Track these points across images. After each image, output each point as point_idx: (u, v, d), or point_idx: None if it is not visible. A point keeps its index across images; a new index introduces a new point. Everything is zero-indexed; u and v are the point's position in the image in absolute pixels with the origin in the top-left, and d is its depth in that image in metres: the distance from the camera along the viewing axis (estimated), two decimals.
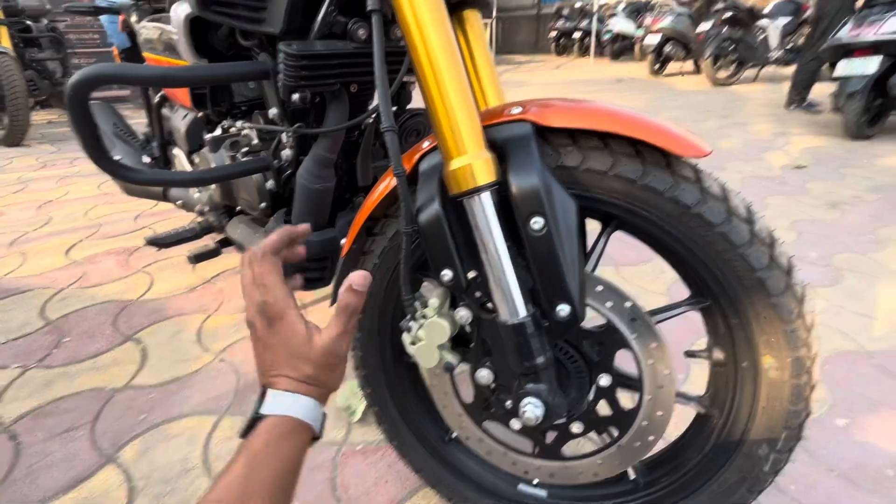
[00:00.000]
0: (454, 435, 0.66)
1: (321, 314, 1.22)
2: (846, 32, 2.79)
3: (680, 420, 0.58)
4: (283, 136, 0.74)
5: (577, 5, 10.12)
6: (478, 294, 0.51)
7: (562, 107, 0.49)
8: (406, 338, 0.55)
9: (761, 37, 5.44)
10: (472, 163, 0.46)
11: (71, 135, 3.25)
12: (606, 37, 8.98)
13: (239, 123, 0.81)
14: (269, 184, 0.77)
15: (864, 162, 2.52)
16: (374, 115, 0.71)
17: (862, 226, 1.73)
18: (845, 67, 2.78)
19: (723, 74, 5.54)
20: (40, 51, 3.36)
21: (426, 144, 0.53)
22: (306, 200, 0.73)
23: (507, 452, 0.61)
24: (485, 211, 0.47)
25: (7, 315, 1.23)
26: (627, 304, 0.51)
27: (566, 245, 0.46)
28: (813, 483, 0.77)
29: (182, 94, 0.93)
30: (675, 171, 0.47)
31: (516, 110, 0.49)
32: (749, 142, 2.95)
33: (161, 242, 1.01)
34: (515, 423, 0.56)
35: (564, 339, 0.53)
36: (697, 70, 6.28)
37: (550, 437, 0.59)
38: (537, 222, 0.46)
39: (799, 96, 3.84)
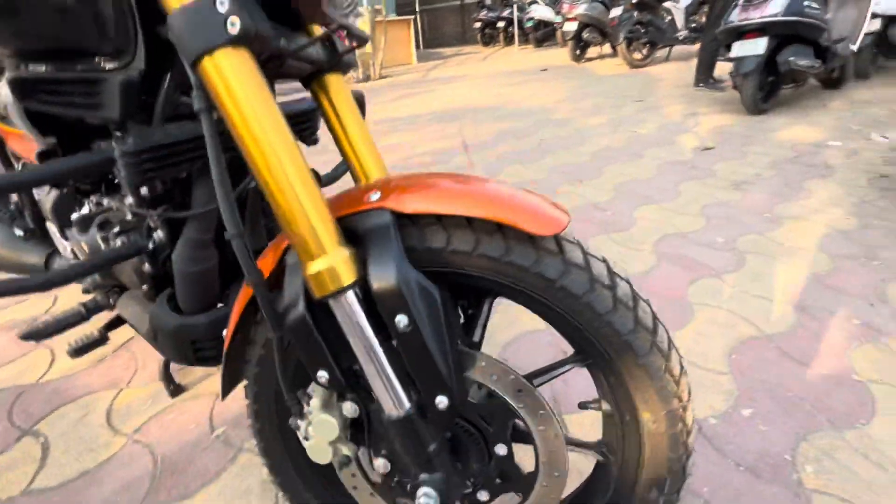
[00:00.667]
0: None
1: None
2: (735, 16, 2.99)
3: (585, 466, 0.60)
4: (149, 220, 0.68)
5: None
6: (362, 385, 0.50)
7: (423, 189, 0.48)
8: (299, 434, 0.53)
9: (668, 18, 5.74)
10: (330, 265, 0.44)
11: None
12: (529, 24, 9.16)
13: (106, 201, 0.74)
14: (147, 267, 0.71)
15: (761, 137, 2.73)
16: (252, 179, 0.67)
17: (761, 204, 1.88)
18: (738, 49, 2.98)
19: (637, 56, 5.81)
20: None
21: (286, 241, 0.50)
22: (187, 284, 0.68)
23: None
24: (351, 310, 0.45)
25: None
26: (511, 377, 0.51)
27: (435, 337, 0.46)
28: (723, 482, 0.82)
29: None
30: (538, 246, 0.48)
31: (375, 196, 0.47)
32: (663, 125, 3.11)
33: (42, 334, 0.90)
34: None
35: (453, 420, 0.53)
36: (615, 53, 6.55)
37: None
38: (402, 320, 0.44)
39: (704, 75, 4.10)
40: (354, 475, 0.59)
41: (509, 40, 9.72)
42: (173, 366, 1.12)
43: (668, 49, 6.08)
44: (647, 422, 0.50)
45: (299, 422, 0.52)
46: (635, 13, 5.56)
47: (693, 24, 5.72)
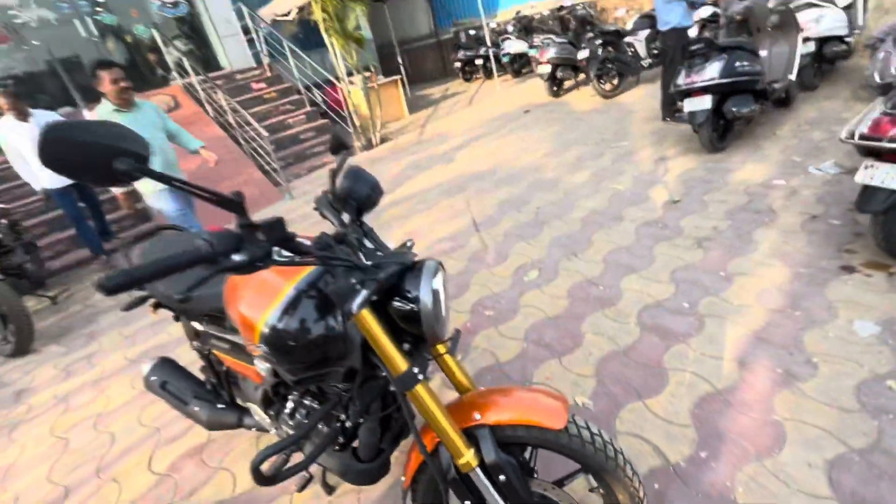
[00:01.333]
0: None
1: None
2: (682, 80, 3.56)
3: None
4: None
5: (472, 33, 10.94)
6: None
7: (501, 409, 1.03)
8: None
9: (631, 51, 6.33)
10: (466, 461, 0.99)
11: (67, 325, 3.55)
12: (505, 59, 9.82)
13: (309, 402, 1.31)
14: (338, 441, 1.28)
15: (720, 181, 3.27)
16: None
17: (718, 262, 2.41)
18: (688, 105, 3.55)
19: (608, 87, 6.39)
20: (13, 256, 3.62)
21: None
22: (365, 451, 1.24)
23: None
24: (479, 478, 1.01)
25: None
26: (551, 486, 1.06)
27: (517, 478, 1.01)
28: None
29: (252, 373, 1.41)
30: (556, 431, 1.03)
31: (478, 416, 1.03)
32: (637, 177, 3.66)
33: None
34: None
35: None
36: (588, 82, 7.13)
37: None
38: (502, 478, 1.00)
39: (669, 112, 4.66)
40: None
41: (489, 74, 10.36)
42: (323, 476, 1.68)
43: (636, 76, 6.64)
44: (622, 499, 1.05)
45: None
46: (601, 51, 6.16)
47: (655, 51, 6.29)
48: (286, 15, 8.24)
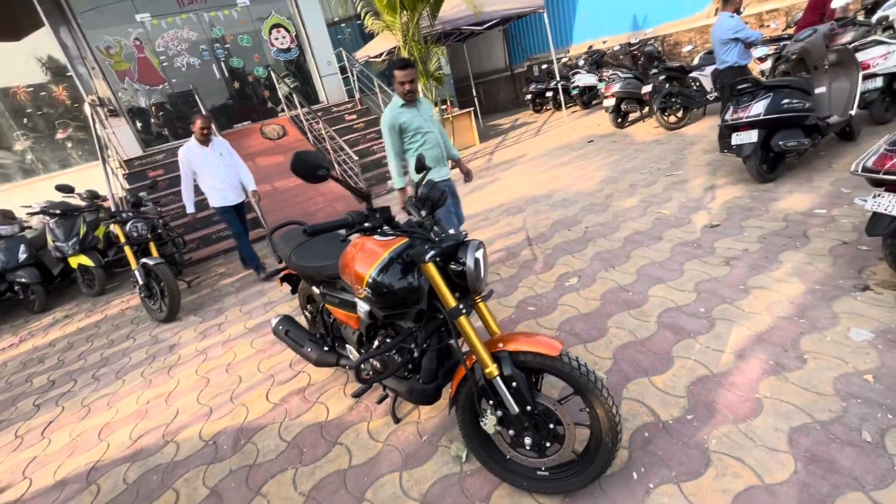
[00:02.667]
0: (508, 457, 1.68)
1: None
2: (729, 115, 3.85)
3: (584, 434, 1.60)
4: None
5: (544, 67, 11.58)
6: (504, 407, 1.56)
7: (519, 342, 1.55)
8: (482, 424, 1.60)
9: (697, 85, 6.56)
10: (490, 371, 1.52)
11: (200, 302, 4.53)
12: (575, 91, 10.31)
13: (388, 339, 1.90)
14: (408, 367, 1.85)
15: (762, 209, 3.49)
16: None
17: (740, 277, 2.70)
18: (736, 139, 3.82)
19: (672, 120, 6.63)
20: (167, 247, 4.74)
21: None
22: (426, 375, 1.79)
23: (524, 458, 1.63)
24: (499, 384, 1.52)
25: (265, 444, 2.32)
26: (551, 402, 1.54)
27: (526, 388, 1.51)
28: (670, 450, 1.74)
29: (353, 321, 2.04)
30: (554, 358, 1.52)
31: (501, 345, 1.55)
32: (683, 204, 3.96)
33: (371, 381, 2.06)
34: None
35: None
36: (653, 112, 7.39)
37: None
38: (514, 384, 1.51)
39: (725, 144, 4.86)
40: (500, 439, 1.64)
41: (558, 105, 10.87)
42: (395, 405, 2.26)
43: (702, 108, 6.81)
44: (600, 414, 1.50)
45: (482, 419, 1.59)
46: (666, 86, 6.46)
47: (721, 85, 6.44)
48: (378, 56, 9.45)
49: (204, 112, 7.35)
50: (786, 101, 3.63)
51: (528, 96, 11.71)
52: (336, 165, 7.28)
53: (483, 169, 7.44)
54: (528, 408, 1.52)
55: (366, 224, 1.36)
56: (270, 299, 4.04)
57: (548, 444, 1.58)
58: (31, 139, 8.30)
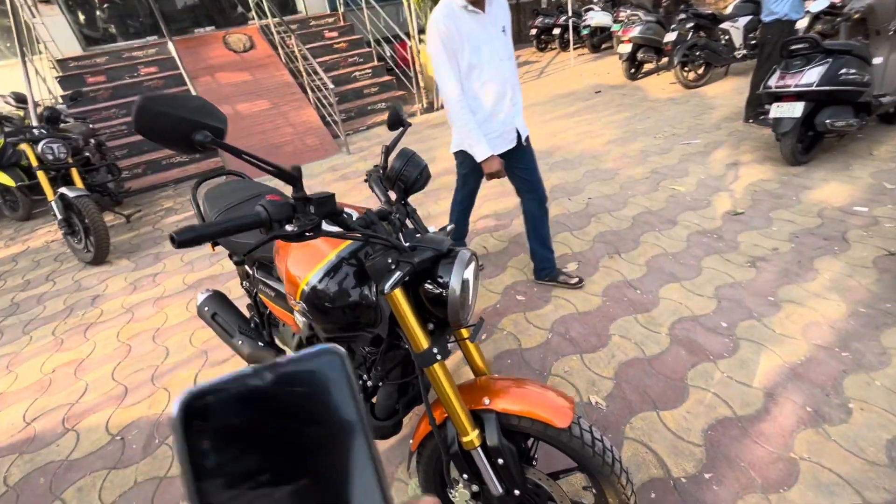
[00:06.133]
0: None
1: None
2: (774, 81, 3.26)
3: None
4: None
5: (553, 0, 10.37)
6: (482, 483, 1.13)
7: (510, 398, 1.09)
8: (450, 494, 1.18)
9: (725, 38, 5.80)
10: (470, 439, 1.07)
11: (137, 243, 3.92)
12: (585, 31, 9.28)
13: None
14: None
15: (793, 198, 3.03)
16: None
17: (768, 286, 2.29)
18: (775, 111, 3.26)
19: (692, 76, 5.94)
20: (98, 175, 4.00)
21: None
22: (382, 411, 1.34)
23: None
24: (480, 457, 1.08)
25: None
26: (546, 477, 1.12)
27: (514, 466, 1.08)
28: None
29: (291, 321, 1.54)
30: (559, 429, 1.08)
31: (487, 401, 1.10)
32: (702, 182, 3.46)
33: None
34: None
35: None
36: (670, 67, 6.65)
37: None
38: (500, 461, 1.07)
39: (754, 112, 4.30)
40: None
41: (565, 45, 9.85)
42: None
43: (725, 67, 6.11)
44: (612, 501, 1.09)
45: (450, 491, 1.16)
46: (691, 35, 5.70)
47: (752, 42, 5.73)
48: None
49: (159, 12, 6.20)
50: (843, 70, 3.05)
51: (533, 31, 10.56)
52: (309, 91, 6.37)
53: None
54: (517, 491, 1.10)
55: (287, 228, 0.82)
56: (220, 248, 3.48)
57: None
58: None
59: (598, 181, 3.75)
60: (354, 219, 1.01)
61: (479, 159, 2.07)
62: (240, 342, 1.83)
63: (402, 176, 1.13)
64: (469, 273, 1.03)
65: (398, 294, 0.99)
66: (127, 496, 1.72)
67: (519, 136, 2.20)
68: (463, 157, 2.24)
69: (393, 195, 1.17)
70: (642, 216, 3.11)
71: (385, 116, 6.92)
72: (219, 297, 2.00)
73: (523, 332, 2.23)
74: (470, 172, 2.31)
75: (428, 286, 1.04)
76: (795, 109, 3.16)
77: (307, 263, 1.15)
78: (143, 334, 2.67)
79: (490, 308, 2.44)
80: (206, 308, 1.95)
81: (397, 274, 0.95)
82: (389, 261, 0.98)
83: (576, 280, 2.45)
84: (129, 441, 1.97)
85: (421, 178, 1.15)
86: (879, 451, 1.49)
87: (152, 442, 1.94)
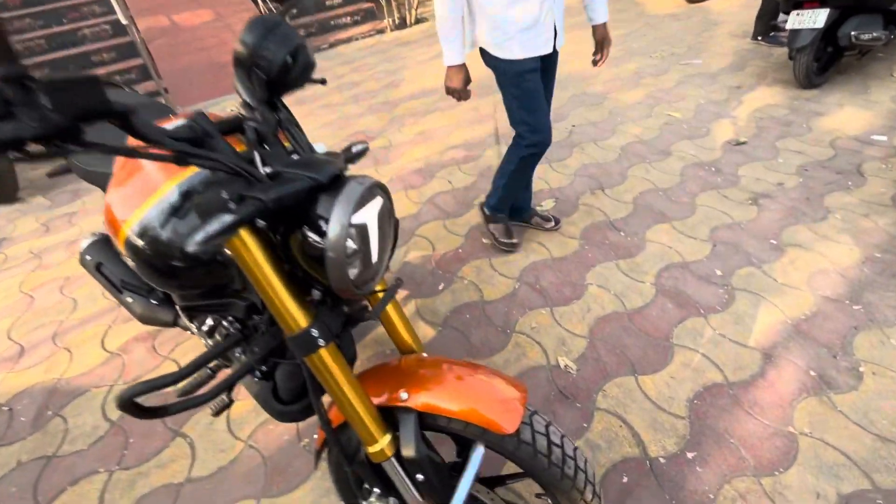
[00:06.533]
0: None
1: None
2: None
3: None
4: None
5: None
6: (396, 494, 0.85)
7: (436, 393, 0.77)
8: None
9: None
10: (380, 449, 0.76)
11: (56, 180, 3.40)
12: None
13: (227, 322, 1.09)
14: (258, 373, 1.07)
15: (803, 125, 2.65)
16: None
17: (772, 226, 1.98)
18: (795, 20, 2.78)
19: None
20: None
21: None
22: (286, 392, 1.03)
23: None
24: (393, 468, 0.78)
25: (80, 420, 1.60)
26: (482, 488, 0.84)
27: (438, 479, 0.78)
28: None
29: None
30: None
31: (405, 396, 0.78)
32: (702, 106, 3.04)
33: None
34: None
35: None
36: None
37: None
38: (420, 476, 0.77)
39: (763, 28, 3.78)
40: None
41: None
42: None
43: None
44: None
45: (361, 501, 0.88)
46: None
47: None
48: None
49: None
50: None
51: None
52: (260, 1, 5.50)
53: None
54: None
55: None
56: None
57: None
58: None
59: (585, 106, 3.29)
60: (172, 128, 0.62)
61: (445, 62, 1.60)
62: (129, 299, 1.47)
63: (261, 58, 0.71)
64: (368, 214, 0.66)
65: (248, 249, 0.63)
66: (6, 480, 1.44)
67: (555, 41, 1.60)
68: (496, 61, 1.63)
69: (258, 93, 0.76)
70: (632, 146, 2.71)
71: (353, 32, 6.12)
72: (107, 244, 1.60)
73: (487, 281, 1.91)
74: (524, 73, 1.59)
75: (311, 235, 0.67)
76: (818, 18, 2.68)
77: (133, 199, 0.77)
78: (50, 284, 2.29)
79: (450, 253, 2.10)
80: (90, 257, 1.56)
81: (225, 218, 0.57)
82: (224, 195, 0.60)
83: (551, 224, 2.10)
84: (17, 412, 1.66)
85: (296, 64, 0.73)
86: (893, 423, 1.26)
87: (44, 413, 1.64)
